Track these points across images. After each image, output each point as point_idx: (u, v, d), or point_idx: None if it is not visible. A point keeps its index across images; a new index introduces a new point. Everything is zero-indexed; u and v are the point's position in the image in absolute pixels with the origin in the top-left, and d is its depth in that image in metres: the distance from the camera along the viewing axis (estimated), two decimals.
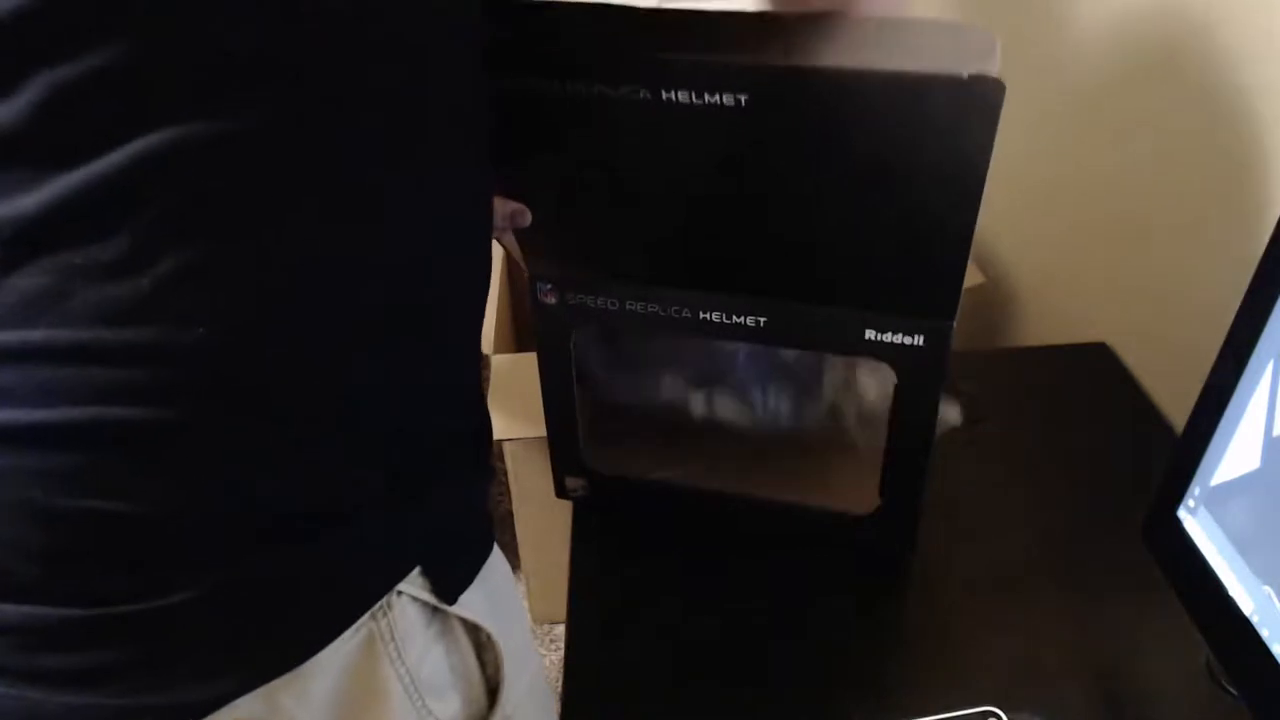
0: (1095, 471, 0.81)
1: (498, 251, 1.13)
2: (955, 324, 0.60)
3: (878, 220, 0.56)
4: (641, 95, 0.53)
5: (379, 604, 0.47)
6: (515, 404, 1.14)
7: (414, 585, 0.49)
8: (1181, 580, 0.57)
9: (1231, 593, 0.51)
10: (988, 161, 0.51)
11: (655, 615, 0.72)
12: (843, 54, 0.51)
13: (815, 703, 0.65)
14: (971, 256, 1.37)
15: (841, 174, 0.55)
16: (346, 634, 0.46)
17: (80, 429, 0.39)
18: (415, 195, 0.45)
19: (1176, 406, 0.86)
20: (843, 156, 0.54)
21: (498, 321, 1.33)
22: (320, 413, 0.44)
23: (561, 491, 0.79)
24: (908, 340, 0.61)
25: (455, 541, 0.52)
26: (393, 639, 0.48)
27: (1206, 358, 0.53)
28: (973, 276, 1.23)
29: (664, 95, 0.53)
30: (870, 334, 0.62)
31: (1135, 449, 0.84)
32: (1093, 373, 0.94)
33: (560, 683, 0.67)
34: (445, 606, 0.50)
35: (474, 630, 0.53)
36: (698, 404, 0.78)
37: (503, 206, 0.61)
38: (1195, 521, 0.55)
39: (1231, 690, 0.60)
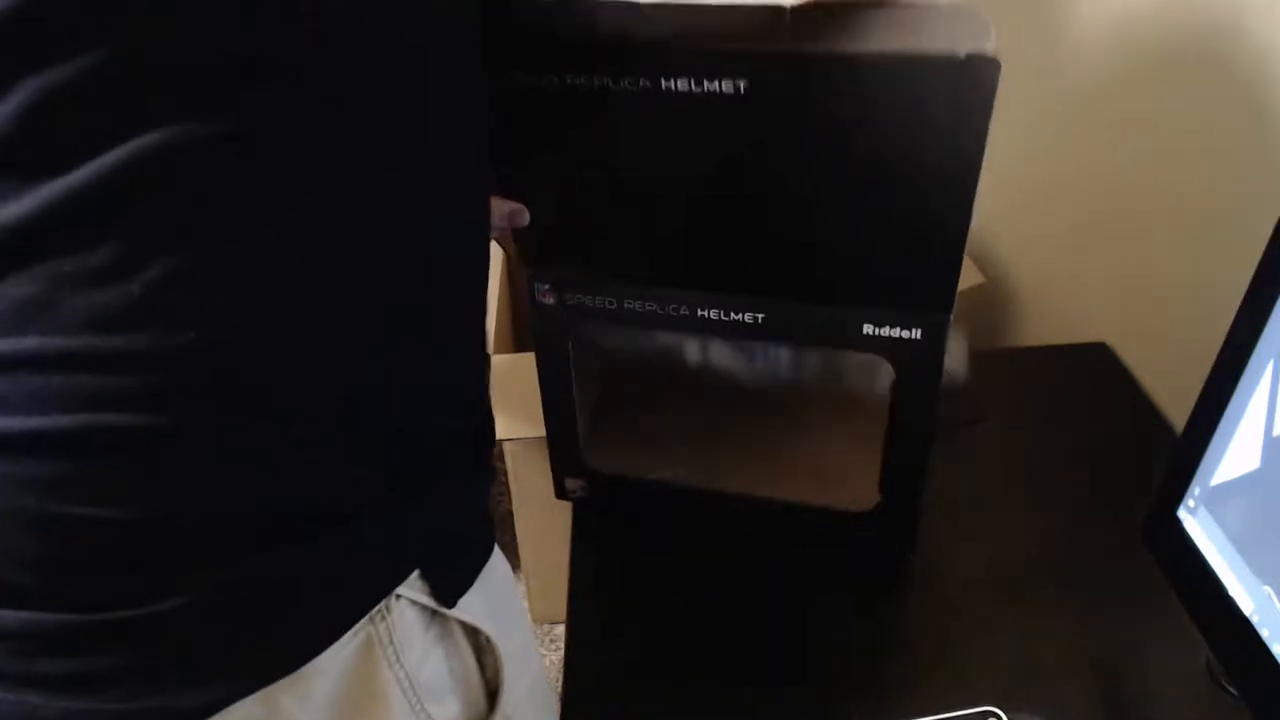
0: (1095, 471, 0.81)
1: (497, 251, 1.13)
2: (952, 318, 0.60)
3: (875, 207, 0.56)
4: (642, 85, 0.53)
5: (378, 607, 0.47)
6: (515, 404, 1.14)
7: (413, 589, 0.49)
8: (1181, 580, 0.57)
9: (1231, 593, 0.51)
10: (984, 142, 0.51)
11: (655, 615, 0.71)
12: (840, 38, 0.51)
13: (815, 703, 0.65)
14: (971, 256, 1.38)
15: (839, 159, 0.55)
16: (345, 637, 0.46)
17: (72, 436, 0.39)
18: (415, 195, 0.45)
19: (1176, 406, 0.86)
20: (841, 140, 0.54)
21: (498, 321, 1.33)
22: (320, 413, 0.44)
23: (561, 492, 0.79)
24: (905, 334, 0.61)
25: (455, 542, 0.52)
26: (391, 642, 0.48)
27: (1206, 358, 0.53)
28: (973, 276, 1.23)
29: (664, 84, 0.53)
30: (868, 329, 0.62)
31: (1135, 449, 0.84)
32: (1093, 373, 0.94)
33: (560, 683, 0.67)
34: (444, 610, 0.50)
35: (474, 633, 0.53)
36: (692, 353, 0.78)
37: (501, 206, 0.61)
38: (1195, 521, 0.55)
39: (1231, 690, 0.60)
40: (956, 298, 0.61)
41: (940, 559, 0.74)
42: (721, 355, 0.85)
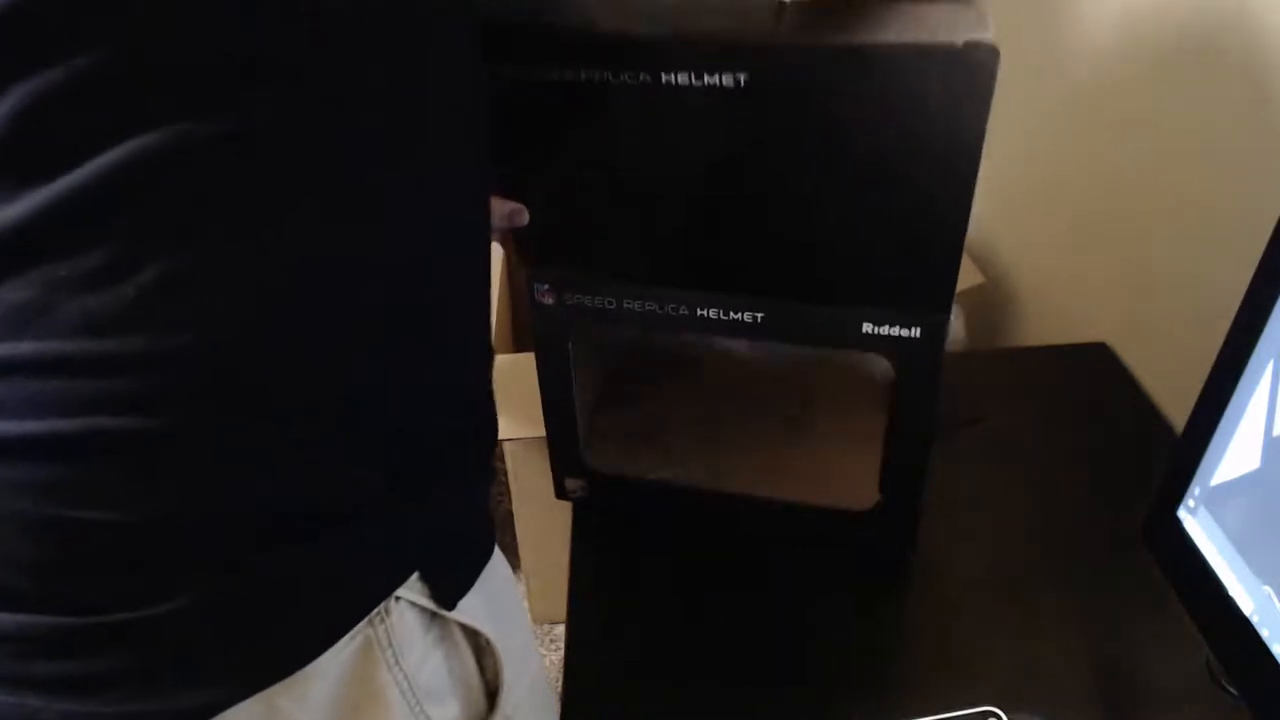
0: (1095, 471, 0.81)
1: (497, 251, 1.13)
2: (951, 317, 0.60)
3: (875, 201, 0.57)
4: (642, 79, 0.53)
5: (377, 610, 0.47)
6: (515, 404, 1.14)
7: (412, 591, 0.49)
8: (1181, 580, 0.57)
9: (1231, 593, 0.51)
10: (983, 133, 0.51)
11: (655, 615, 0.71)
12: (838, 29, 0.52)
13: (815, 703, 0.65)
14: (971, 256, 1.38)
15: (839, 152, 0.55)
16: (344, 639, 0.46)
17: (69, 440, 0.39)
18: (415, 195, 0.45)
19: (1176, 406, 0.86)
20: (840, 133, 0.54)
21: (498, 321, 1.33)
22: (320, 413, 0.43)
23: (561, 492, 0.79)
24: (905, 333, 0.61)
25: (455, 543, 0.52)
26: (390, 644, 0.48)
27: (1206, 358, 0.53)
28: (973, 276, 1.23)
29: (664, 78, 0.53)
30: (868, 328, 0.62)
31: (1135, 449, 0.84)
32: (1093, 373, 0.94)
33: (560, 683, 0.67)
34: (444, 612, 0.50)
35: (473, 635, 0.53)
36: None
37: (501, 206, 0.61)
38: (1195, 521, 0.55)
39: (1231, 690, 0.60)
40: (957, 297, 0.61)
41: (940, 559, 0.74)
42: (722, 353, 0.85)
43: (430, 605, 0.50)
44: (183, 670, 0.43)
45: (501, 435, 1.15)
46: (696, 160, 0.58)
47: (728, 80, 0.52)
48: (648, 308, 0.66)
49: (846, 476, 0.73)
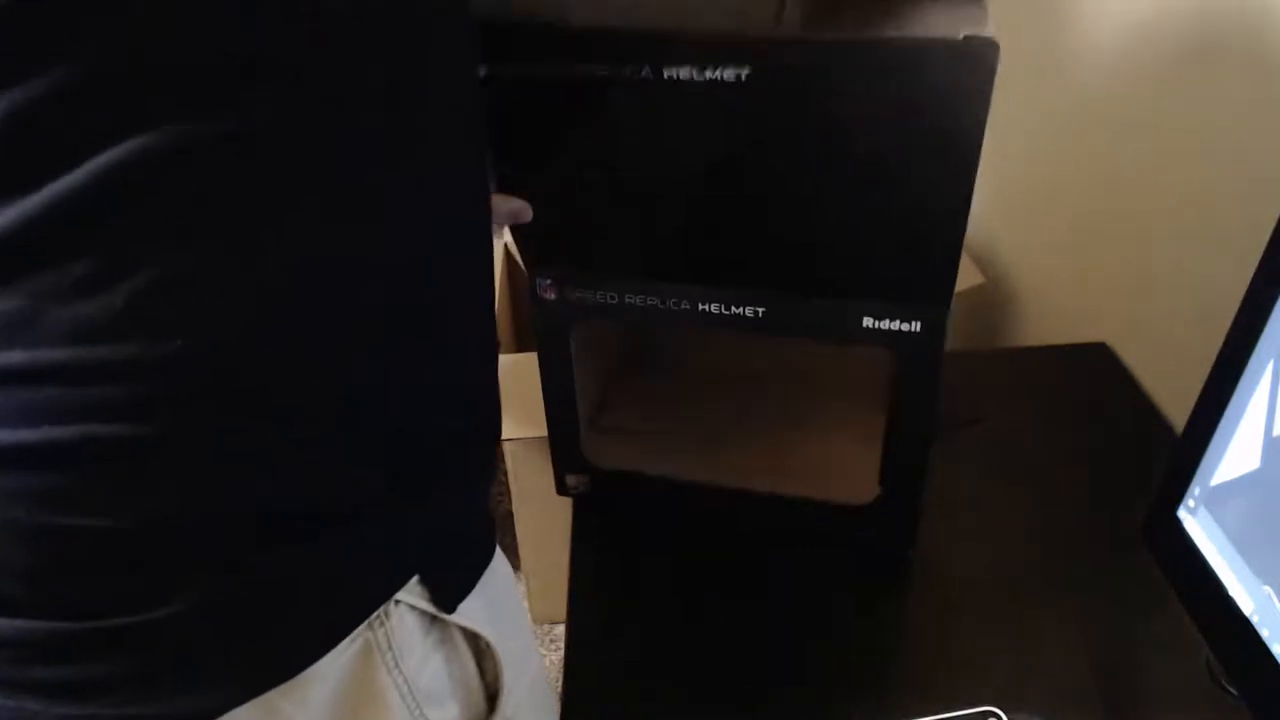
0: (1095, 471, 0.81)
1: (498, 251, 1.13)
2: (951, 311, 0.61)
3: (875, 195, 0.57)
4: (644, 74, 0.53)
5: (377, 613, 0.47)
6: (515, 404, 1.14)
7: (412, 594, 0.49)
8: (1181, 580, 0.57)
9: (1231, 593, 0.51)
10: (983, 127, 0.51)
11: (655, 615, 0.71)
12: (839, 23, 0.52)
13: (815, 703, 0.65)
14: (971, 256, 1.38)
15: (840, 146, 0.55)
16: (344, 643, 0.46)
17: (62, 448, 0.39)
18: (415, 195, 0.45)
19: (1176, 406, 0.86)
20: (841, 127, 0.55)
21: (498, 321, 1.33)
22: (320, 413, 0.43)
23: (562, 488, 0.79)
24: (905, 327, 0.61)
25: (456, 544, 0.52)
26: (390, 648, 0.48)
27: (1206, 358, 0.53)
28: (973, 276, 1.23)
29: (665, 73, 0.53)
30: (868, 322, 0.62)
31: (1135, 449, 0.84)
32: (1093, 373, 0.94)
33: (560, 683, 0.67)
34: (444, 615, 0.50)
35: (473, 638, 0.53)
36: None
37: (505, 203, 0.61)
38: (1195, 521, 0.55)
39: (1231, 690, 0.60)
40: (956, 297, 0.61)
41: (940, 559, 0.74)
42: (723, 350, 0.85)
43: (430, 608, 0.50)
44: (182, 674, 0.43)
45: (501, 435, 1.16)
46: (697, 156, 0.58)
47: (729, 75, 0.52)
48: (649, 303, 0.66)
49: (847, 471, 0.73)
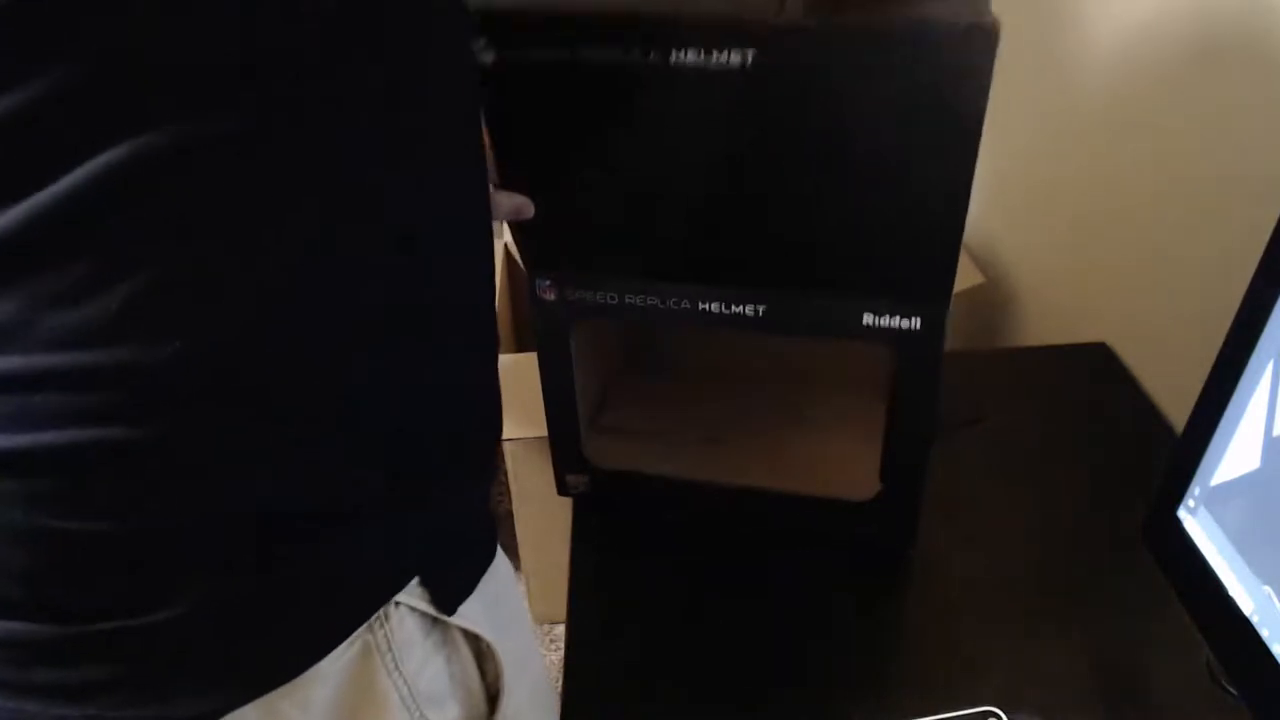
0: (1095, 471, 0.81)
1: (498, 251, 1.13)
2: (951, 308, 0.61)
3: (876, 188, 0.57)
4: (651, 58, 0.53)
5: (377, 615, 0.47)
6: (515, 404, 1.14)
7: (412, 596, 0.49)
8: (1181, 580, 0.57)
9: (1231, 593, 0.51)
10: (983, 113, 0.52)
11: (655, 615, 0.71)
12: (843, 8, 0.52)
13: (815, 703, 0.65)
14: (971, 256, 1.37)
15: (841, 133, 0.56)
16: (344, 645, 0.46)
17: (58, 452, 0.39)
18: (415, 195, 0.45)
19: (1176, 406, 0.86)
20: (843, 114, 0.55)
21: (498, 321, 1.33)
22: (320, 413, 0.43)
23: (562, 488, 0.79)
24: (905, 324, 0.62)
25: (456, 545, 0.52)
26: (390, 650, 0.48)
27: (1206, 358, 0.53)
28: (973, 276, 1.23)
29: (673, 58, 0.53)
30: (868, 319, 0.62)
31: (1135, 449, 0.84)
32: (1093, 373, 0.94)
33: (560, 683, 0.67)
34: (444, 617, 0.50)
35: (474, 639, 0.53)
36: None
37: (506, 200, 0.61)
38: (1195, 521, 0.55)
39: (1231, 690, 0.60)
40: (956, 297, 0.61)
41: (940, 559, 0.74)
42: (723, 349, 0.85)
43: (430, 610, 0.50)
44: (181, 675, 0.43)
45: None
46: (699, 148, 0.59)
47: (734, 60, 0.53)
48: (649, 303, 0.66)
49: (848, 468, 0.73)
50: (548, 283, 0.68)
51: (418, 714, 0.50)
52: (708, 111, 0.56)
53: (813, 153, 0.57)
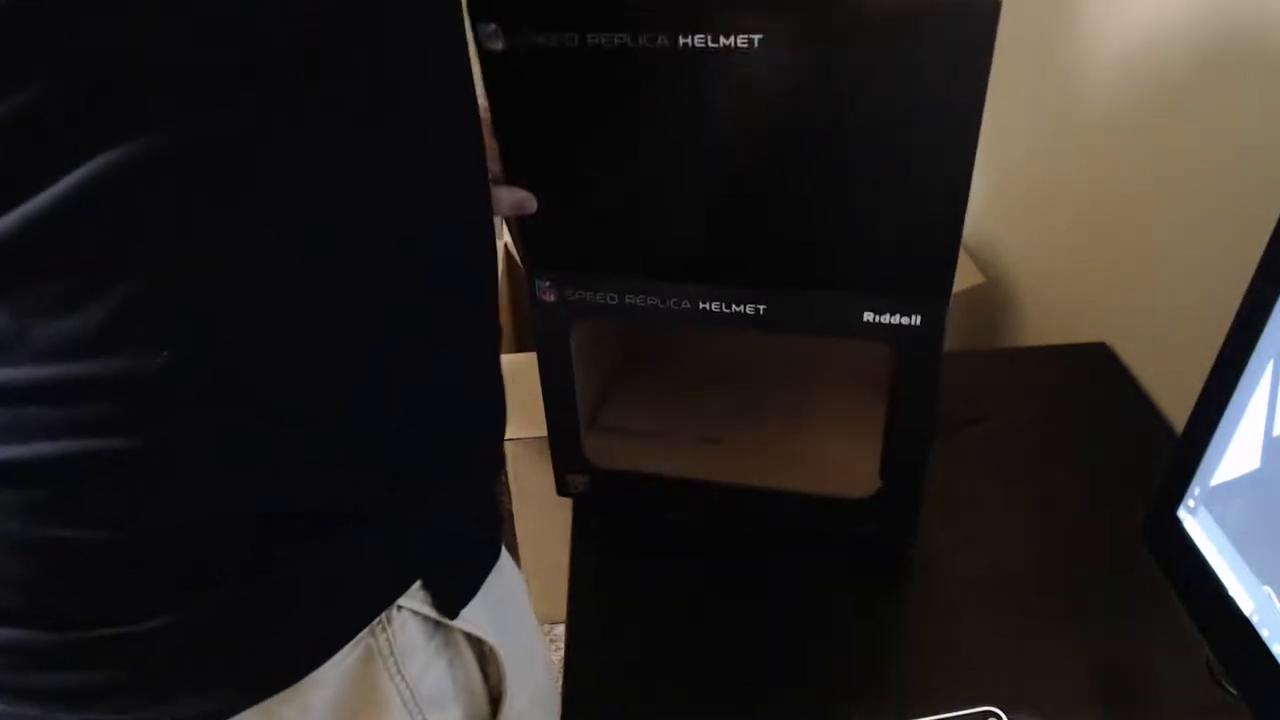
0: (1095, 471, 0.81)
1: (498, 251, 1.13)
2: (951, 305, 0.61)
3: (877, 178, 0.57)
4: (660, 42, 0.54)
5: (379, 618, 0.47)
6: (515, 404, 1.14)
7: (415, 600, 0.49)
8: (1181, 580, 0.57)
9: (1231, 593, 0.51)
10: (984, 92, 0.52)
11: (655, 615, 0.71)
12: None
13: (815, 703, 0.65)
14: (971, 256, 1.37)
15: (843, 117, 0.56)
16: (345, 649, 0.46)
17: (53, 463, 0.39)
18: (415, 195, 0.45)
19: (1176, 406, 0.86)
20: (845, 95, 0.55)
21: None
22: (320, 413, 0.43)
23: (562, 488, 0.79)
24: (905, 321, 0.62)
25: (458, 547, 0.52)
26: (392, 654, 0.48)
27: (1206, 358, 0.53)
28: (973, 276, 1.23)
29: (681, 41, 0.53)
30: (869, 316, 0.62)
31: (1135, 449, 0.84)
32: (1093, 373, 0.94)
33: (560, 683, 0.67)
34: (447, 621, 0.50)
35: (477, 642, 0.53)
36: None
37: (508, 195, 0.61)
38: (1195, 521, 0.55)
39: (1231, 690, 0.60)
40: (956, 297, 0.61)
41: (940, 559, 0.74)
42: (723, 348, 0.85)
43: (433, 614, 0.49)
44: (181, 680, 0.43)
45: None
46: (701, 140, 0.59)
47: (742, 41, 0.53)
48: (649, 303, 0.66)
49: (847, 466, 0.73)
50: (548, 283, 0.68)
51: (419, 717, 0.50)
52: (711, 100, 0.57)
53: (813, 146, 0.57)
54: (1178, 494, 0.56)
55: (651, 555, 0.76)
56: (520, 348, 1.44)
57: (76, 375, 0.38)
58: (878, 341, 0.63)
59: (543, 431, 0.75)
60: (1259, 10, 0.74)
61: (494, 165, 0.60)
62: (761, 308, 0.64)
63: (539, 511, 1.28)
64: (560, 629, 0.72)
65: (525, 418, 1.13)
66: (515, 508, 1.28)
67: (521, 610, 0.59)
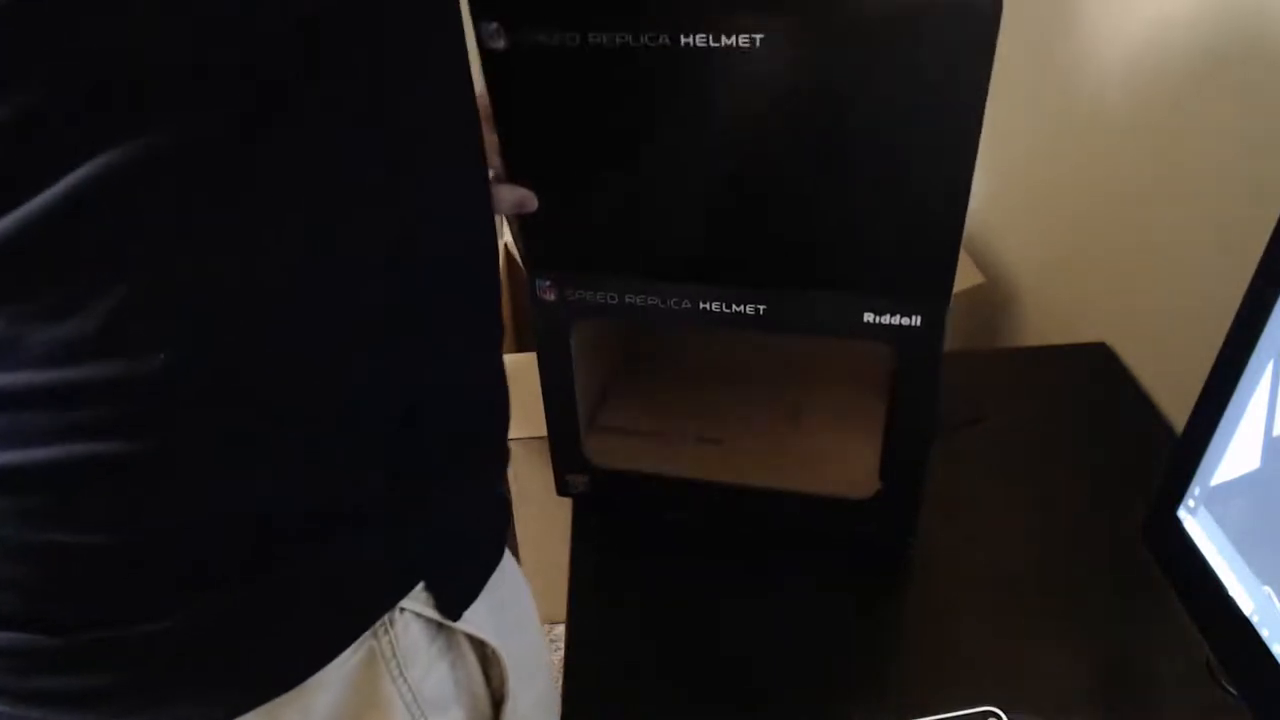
0: (1095, 471, 0.81)
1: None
2: (951, 305, 0.61)
3: (877, 178, 0.57)
4: (661, 41, 0.54)
5: (381, 621, 0.47)
6: (515, 404, 1.14)
7: (417, 602, 0.48)
8: (1181, 580, 0.57)
9: (1231, 593, 0.51)
10: (985, 90, 0.52)
11: (655, 615, 0.71)
12: None
13: (815, 703, 0.65)
14: (971, 256, 1.37)
15: (843, 116, 0.56)
16: (347, 651, 0.46)
17: (51, 468, 0.39)
18: (415, 195, 0.45)
19: (1176, 406, 0.86)
20: (846, 94, 0.55)
21: None
22: (320, 413, 0.43)
23: (562, 488, 0.79)
24: (905, 321, 0.62)
25: (461, 546, 0.52)
26: (394, 656, 0.48)
27: (1206, 358, 0.53)
28: (973, 276, 1.23)
29: (682, 41, 0.54)
30: (869, 317, 0.63)
31: (1135, 449, 0.84)
32: (1093, 373, 0.94)
33: (560, 683, 0.67)
34: (450, 623, 0.50)
35: (480, 644, 0.53)
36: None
37: (510, 194, 0.61)
38: (1195, 521, 0.55)
39: (1231, 690, 0.60)
40: (956, 297, 0.61)
41: (940, 559, 0.74)
42: (723, 348, 0.85)
43: (435, 616, 0.49)
44: (182, 684, 0.43)
45: None
46: (701, 139, 0.59)
47: (744, 41, 0.53)
48: (649, 303, 0.66)
49: (847, 466, 0.73)
50: (548, 283, 0.68)
51: None
52: (712, 100, 0.57)
53: (813, 145, 0.57)
54: (1178, 494, 0.56)
55: (651, 555, 0.76)
56: (520, 348, 1.44)
57: (73, 380, 0.38)
58: (878, 342, 0.63)
59: (543, 431, 0.75)
60: (1259, 10, 0.74)
61: (494, 159, 0.60)
62: (761, 308, 0.64)
63: (539, 511, 1.27)
64: (560, 629, 0.72)
65: (525, 418, 1.13)
66: (515, 508, 1.28)
67: (524, 612, 0.59)
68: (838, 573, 0.73)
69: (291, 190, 0.40)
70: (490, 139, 0.60)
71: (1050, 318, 1.13)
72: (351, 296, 0.43)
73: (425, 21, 0.43)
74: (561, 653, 0.70)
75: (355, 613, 0.47)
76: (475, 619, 0.51)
